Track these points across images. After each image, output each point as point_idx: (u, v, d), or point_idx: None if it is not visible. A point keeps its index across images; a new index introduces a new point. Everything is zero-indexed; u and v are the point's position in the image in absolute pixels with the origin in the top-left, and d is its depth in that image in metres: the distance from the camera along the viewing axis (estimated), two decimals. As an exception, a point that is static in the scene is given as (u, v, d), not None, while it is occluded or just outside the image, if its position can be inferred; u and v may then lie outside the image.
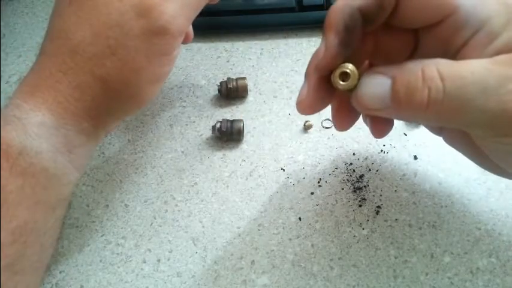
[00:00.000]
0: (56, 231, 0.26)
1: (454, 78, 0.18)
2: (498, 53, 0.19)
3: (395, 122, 0.35)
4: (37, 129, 0.23)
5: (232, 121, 0.34)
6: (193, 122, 0.36)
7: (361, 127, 0.35)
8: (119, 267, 0.29)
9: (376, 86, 0.20)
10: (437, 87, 0.18)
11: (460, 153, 0.26)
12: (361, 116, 0.27)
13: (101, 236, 0.31)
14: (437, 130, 0.27)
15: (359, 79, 0.20)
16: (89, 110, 0.24)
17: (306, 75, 0.23)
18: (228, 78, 0.36)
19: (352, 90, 0.21)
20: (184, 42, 0.30)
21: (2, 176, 0.21)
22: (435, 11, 0.20)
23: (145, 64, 0.25)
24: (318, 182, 0.32)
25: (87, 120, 0.25)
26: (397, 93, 0.19)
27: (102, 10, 0.23)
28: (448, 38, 0.21)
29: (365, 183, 0.32)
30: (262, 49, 0.40)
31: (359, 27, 0.21)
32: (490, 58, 0.19)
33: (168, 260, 0.30)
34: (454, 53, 0.21)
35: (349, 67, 0.20)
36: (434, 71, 0.18)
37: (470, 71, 0.18)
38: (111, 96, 0.25)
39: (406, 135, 0.34)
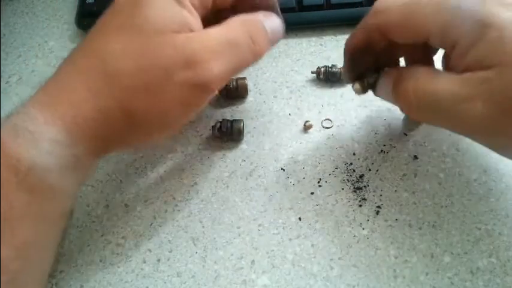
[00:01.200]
0: (57, 242, 0.26)
1: (425, 94, 0.24)
2: (467, 68, 0.22)
3: (396, 121, 0.35)
4: (49, 145, 0.22)
5: (232, 121, 0.34)
6: (193, 122, 0.36)
7: (361, 127, 0.35)
8: (119, 267, 0.29)
9: (384, 85, 0.28)
10: (412, 101, 0.25)
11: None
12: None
13: (101, 236, 0.31)
14: None
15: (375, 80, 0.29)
16: (107, 138, 0.24)
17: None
18: (228, 78, 0.36)
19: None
20: None
21: (10, 191, 0.21)
22: (414, 38, 0.25)
23: (176, 111, 0.25)
24: (318, 182, 0.32)
25: (99, 145, 0.24)
26: (396, 94, 0.26)
27: (153, 52, 0.23)
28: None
29: (365, 183, 0.32)
30: (262, 49, 0.40)
31: (362, 55, 0.28)
32: (457, 75, 0.23)
33: (168, 260, 0.30)
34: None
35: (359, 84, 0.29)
36: (410, 90, 0.25)
37: (439, 88, 0.23)
38: (131, 129, 0.25)
39: (406, 135, 0.34)
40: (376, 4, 0.26)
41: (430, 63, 0.29)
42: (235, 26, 0.25)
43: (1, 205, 0.21)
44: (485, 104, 0.21)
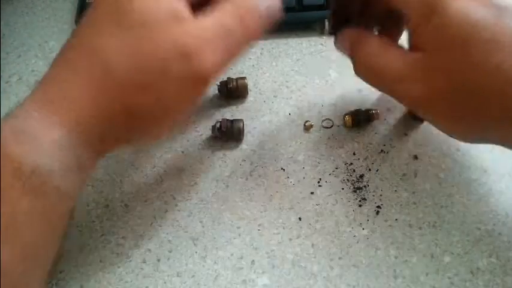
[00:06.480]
0: (60, 241, 0.25)
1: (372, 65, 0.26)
2: (414, 46, 0.25)
3: (396, 122, 0.35)
4: (51, 148, 0.22)
5: (232, 121, 0.34)
6: (193, 122, 0.36)
7: (361, 127, 0.35)
8: (119, 267, 0.29)
9: (344, 41, 0.29)
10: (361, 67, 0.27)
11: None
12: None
13: (101, 235, 0.31)
14: None
15: None
16: (108, 136, 0.24)
17: None
18: (228, 78, 0.36)
19: None
20: None
21: (13, 195, 0.21)
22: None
23: (175, 106, 0.25)
24: (318, 182, 0.32)
25: (102, 145, 0.24)
26: (351, 53, 0.28)
27: (147, 48, 0.23)
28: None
29: (365, 183, 0.32)
30: (262, 49, 0.40)
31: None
32: (404, 53, 0.25)
33: (168, 259, 0.30)
34: None
35: None
36: (361, 56, 0.27)
37: (386, 63, 0.25)
38: (133, 128, 0.24)
39: (406, 135, 0.34)
40: None
41: (397, 35, 0.31)
42: (227, 12, 0.25)
43: (5, 209, 0.20)
44: (422, 86, 0.24)
